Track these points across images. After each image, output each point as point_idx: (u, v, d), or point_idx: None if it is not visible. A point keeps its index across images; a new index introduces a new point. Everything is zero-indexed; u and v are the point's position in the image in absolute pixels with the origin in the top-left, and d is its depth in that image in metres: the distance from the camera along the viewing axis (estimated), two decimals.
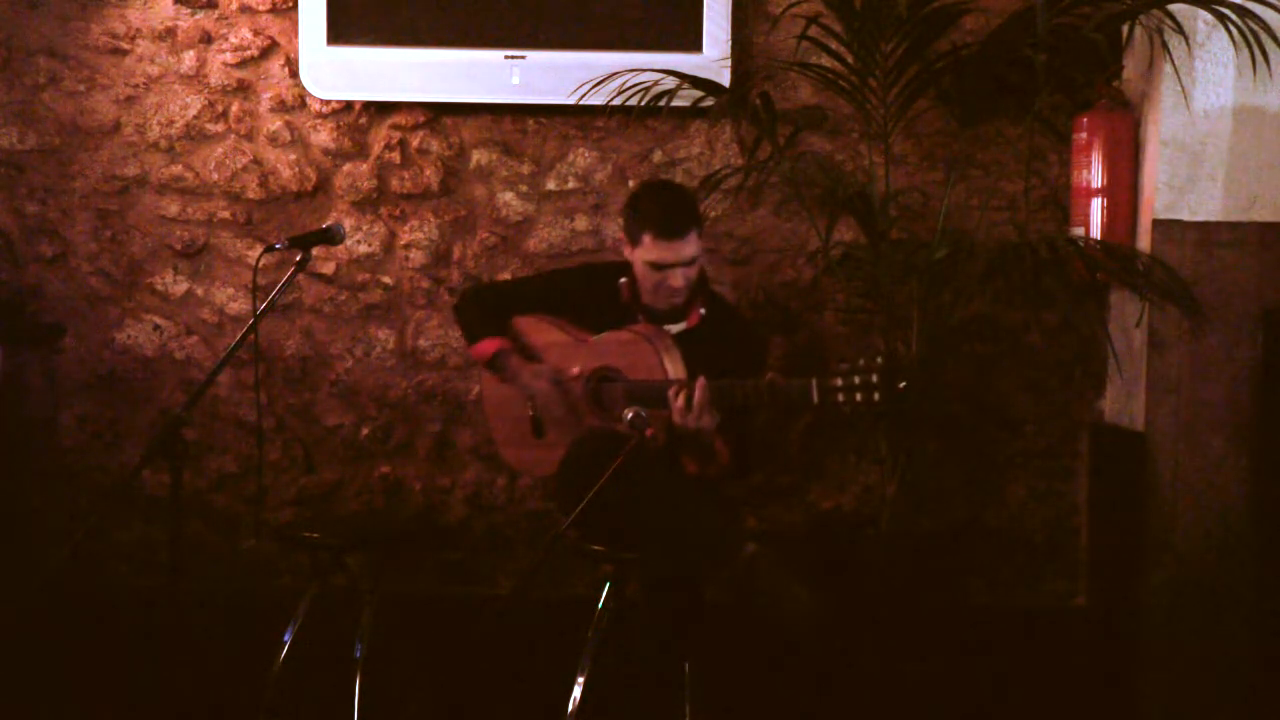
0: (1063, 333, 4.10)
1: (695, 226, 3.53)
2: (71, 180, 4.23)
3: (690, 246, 3.50)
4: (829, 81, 3.83)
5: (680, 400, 3.29)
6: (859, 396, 3.16)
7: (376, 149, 4.20)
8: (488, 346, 3.65)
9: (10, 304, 4.18)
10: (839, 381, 3.17)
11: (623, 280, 3.64)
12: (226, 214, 4.23)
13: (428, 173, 4.20)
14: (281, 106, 4.20)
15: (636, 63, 3.89)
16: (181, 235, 4.23)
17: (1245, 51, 3.48)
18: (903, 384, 3.15)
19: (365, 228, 4.22)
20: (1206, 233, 3.67)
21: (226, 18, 4.19)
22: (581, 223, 4.20)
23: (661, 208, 3.53)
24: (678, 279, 3.51)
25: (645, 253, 3.51)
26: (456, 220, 4.21)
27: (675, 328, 3.61)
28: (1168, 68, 3.61)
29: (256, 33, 4.19)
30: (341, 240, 3.40)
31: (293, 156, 4.21)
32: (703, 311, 3.62)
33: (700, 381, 3.30)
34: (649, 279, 3.54)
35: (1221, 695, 3.70)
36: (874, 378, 3.14)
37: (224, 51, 4.19)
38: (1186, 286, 3.60)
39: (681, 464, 3.48)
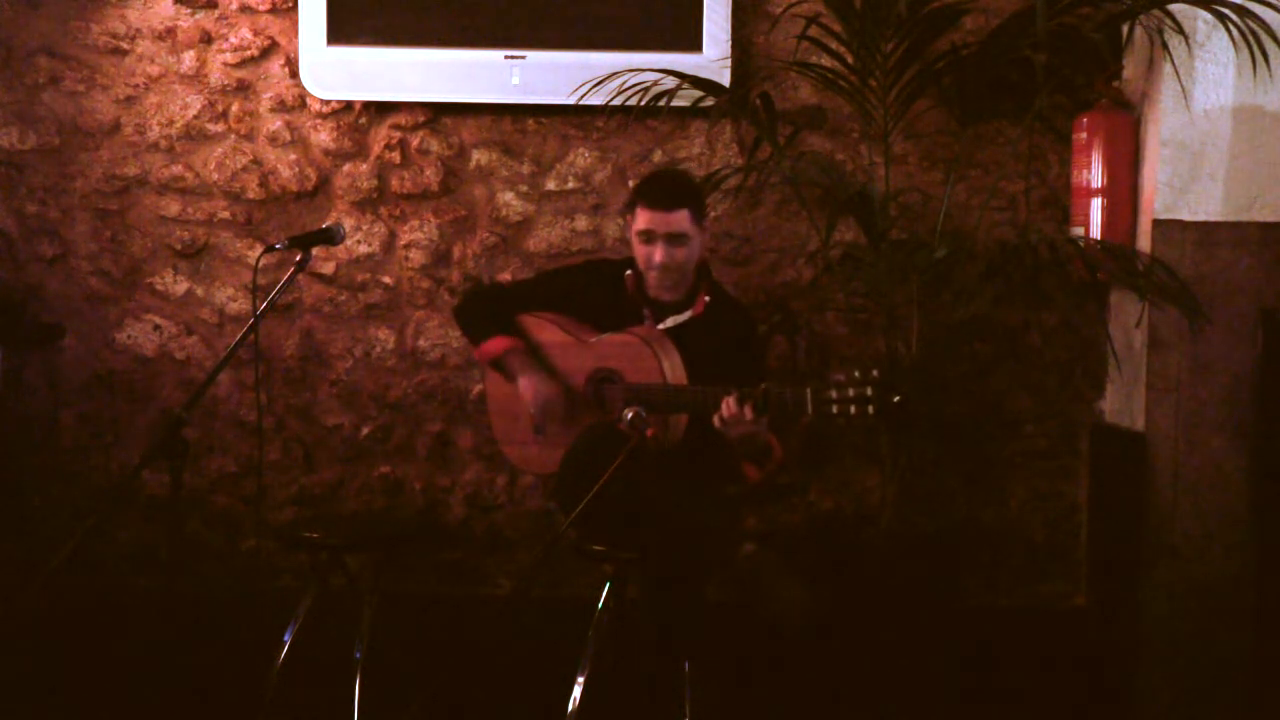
0: (1063, 333, 4.10)
1: (690, 207, 3.52)
2: (71, 180, 4.24)
3: (679, 222, 3.50)
4: (829, 81, 3.83)
5: (733, 404, 3.27)
6: (853, 410, 3.15)
7: (376, 149, 4.20)
8: (496, 345, 3.63)
9: (10, 304, 4.18)
10: (834, 393, 3.16)
11: (628, 273, 3.64)
12: (226, 214, 4.23)
13: (428, 173, 4.20)
14: (281, 106, 4.20)
15: (636, 63, 3.89)
16: (181, 235, 4.23)
17: (1245, 51, 3.48)
18: (897, 398, 3.14)
19: (365, 228, 4.22)
20: (1206, 233, 3.67)
21: (226, 18, 4.19)
22: (581, 223, 4.20)
23: (656, 181, 3.60)
24: (661, 254, 3.50)
25: (637, 223, 3.54)
26: (456, 220, 4.21)
27: (680, 317, 3.60)
28: (1168, 68, 3.61)
29: (256, 33, 4.19)
30: (341, 240, 3.39)
31: (293, 156, 4.21)
32: (708, 299, 3.62)
33: (761, 388, 3.28)
34: (640, 254, 3.56)
35: (1221, 695, 3.70)
36: (869, 390, 3.13)
37: (224, 51, 4.20)
38: (1186, 286, 3.60)
39: (743, 471, 3.48)
